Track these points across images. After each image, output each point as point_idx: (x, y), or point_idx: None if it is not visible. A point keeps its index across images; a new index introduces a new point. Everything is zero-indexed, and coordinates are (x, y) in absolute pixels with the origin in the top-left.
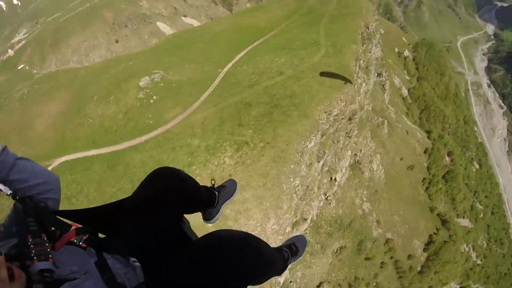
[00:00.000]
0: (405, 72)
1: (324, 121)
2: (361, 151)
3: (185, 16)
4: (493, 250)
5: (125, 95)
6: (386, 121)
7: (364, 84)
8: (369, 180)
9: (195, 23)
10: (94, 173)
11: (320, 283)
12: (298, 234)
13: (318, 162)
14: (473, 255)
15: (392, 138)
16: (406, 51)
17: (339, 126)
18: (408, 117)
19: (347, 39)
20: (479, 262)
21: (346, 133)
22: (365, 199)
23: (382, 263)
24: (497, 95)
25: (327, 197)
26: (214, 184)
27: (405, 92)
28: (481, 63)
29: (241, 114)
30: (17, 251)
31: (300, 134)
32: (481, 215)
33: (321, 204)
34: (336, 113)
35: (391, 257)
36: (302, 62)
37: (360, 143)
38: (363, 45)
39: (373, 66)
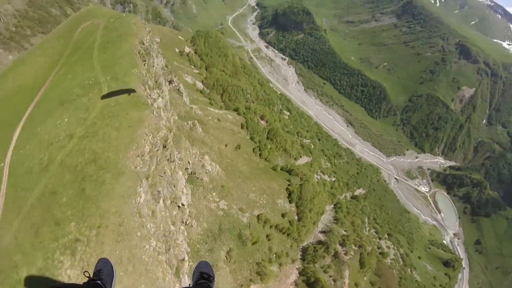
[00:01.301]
0: (193, 67)
1: (141, 165)
2: (189, 163)
3: None
4: (337, 164)
5: None
6: (195, 121)
7: (160, 99)
8: (211, 182)
9: None
10: None
11: None
12: (192, 269)
13: (158, 203)
14: (326, 177)
15: (208, 133)
16: (186, 47)
17: (159, 159)
18: (213, 106)
19: (126, 64)
20: (333, 179)
21: (168, 160)
22: (218, 200)
23: (267, 236)
24: (276, 52)
25: (186, 222)
26: (89, 276)
27: (200, 85)
28: (253, 32)
29: (52, 209)
30: None
31: (125, 196)
32: (312, 146)
33: (185, 233)
34: (148, 149)
35: (270, 226)
36: (88, 113)
37: (185, 157)
38: (144, 64)
39: (162, 77)
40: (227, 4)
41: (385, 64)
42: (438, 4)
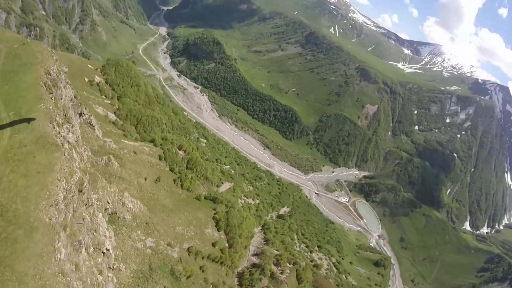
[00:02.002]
0: (104, 97)
1: (56, 216)
2: (109, 203)
3: None
4: (259, 187)
5: None
6: (111, 156)
7: (71, 135)
8: (134, 219)
9: None
10: None
11: None
12: None
13: (80, 253)
14: (250, 201)
15: (125, 167)
16: (96, 77)
17: (75, 205)
18: (128, 138)
19: (30, 98)
20: (257, 201)
21: (86, 204)
22: (144, 238)
23: (201, 267)
24: (188, 80)
25: (113, 267)
26: None
27: (112, 117)
28: (165, 61)
29: None
30: None
31: (43, 254)
32: (232, 172)
33: (115, 280)
34: (63, 196)
35: (202, 257)
36: None
37: (103, 197)
38: (52, 97)
39: (71, 109)
40: (137, 33)
41: (294, 89)
42: (337, 34)
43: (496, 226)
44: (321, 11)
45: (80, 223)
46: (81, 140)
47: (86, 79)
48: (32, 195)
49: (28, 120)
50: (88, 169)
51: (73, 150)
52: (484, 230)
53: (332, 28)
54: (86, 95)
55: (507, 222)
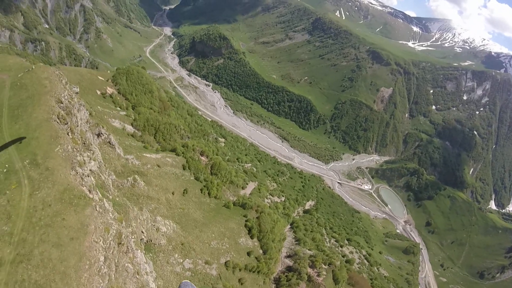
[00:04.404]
0: (119, 108)
1: (101, 283)
2: (143, 232)
3: None
4: (282, 182)
5: None
6: (135, 175)
7: (93, 162)
8: (169, 243)
9: None
10: None
11: None
12: None
13: None
14: (276, 199)
15: (151, 184)
16: (108, 88)
17: (117, 260)
18: (148, 150)
19: (45, 139)
20: (283, 199)
21: (126, 252)
22: (181, 260)
23: (239, 280)
24: (199, 79)
25: None
26: None
27: (130, 129)
28: (173, 61)
29: None
30: None
31: None
32: (254, 170)
33: None
34: (103, 258)
35: (240, 270)
36: (12, 223)
37: (137, 228)
38: (67, 128)
39: (89, 132)
40: (143, 36)
41: (306, 78)
42: (344, 18)
43: None
44: None
45: (124, 275)
46: (104, 164)
47: (98, 92)
48: (71, 268)
49: (20, 139)
50: (117, 199)
51: (105, 200)
52: (510, 208)
53: (338, 11)
54: (101, 109)
55: None
